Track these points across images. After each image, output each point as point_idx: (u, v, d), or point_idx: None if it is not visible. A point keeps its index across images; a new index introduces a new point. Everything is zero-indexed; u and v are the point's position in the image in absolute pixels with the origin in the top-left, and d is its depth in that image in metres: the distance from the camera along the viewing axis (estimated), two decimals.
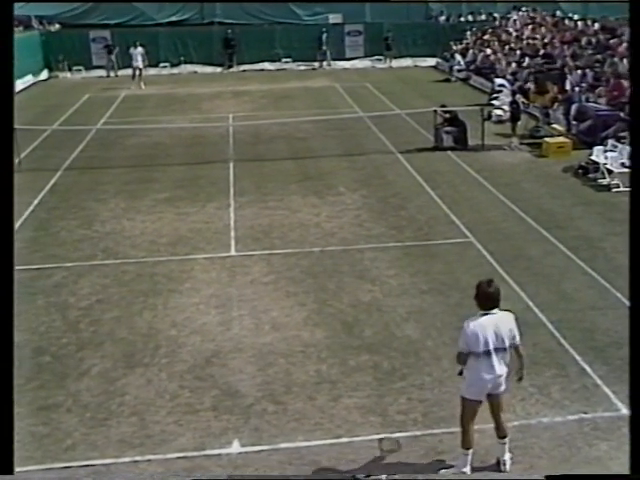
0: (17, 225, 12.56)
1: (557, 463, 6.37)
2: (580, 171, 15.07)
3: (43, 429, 7.01)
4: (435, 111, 18.09)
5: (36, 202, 14.05)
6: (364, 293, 9.80)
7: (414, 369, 7.91)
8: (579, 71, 21.52)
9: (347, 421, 7.03)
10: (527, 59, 25.96)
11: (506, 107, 19.81)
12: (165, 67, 33.57)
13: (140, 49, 29.36)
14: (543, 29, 30.36)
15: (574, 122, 18.25)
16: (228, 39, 33.51)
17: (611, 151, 14.80)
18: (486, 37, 32.69)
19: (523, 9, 35.57)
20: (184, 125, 21.10)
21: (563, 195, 13.92)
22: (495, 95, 22.14)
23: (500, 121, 19.87)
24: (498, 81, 23.27)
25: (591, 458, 6.43)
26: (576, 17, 31.64)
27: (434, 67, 33.78)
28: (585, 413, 7.06)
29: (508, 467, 6.30)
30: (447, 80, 29.71)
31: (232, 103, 25.19)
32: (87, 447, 6.74)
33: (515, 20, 34.42)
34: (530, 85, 21.93)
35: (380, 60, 34.77)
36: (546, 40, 27.85)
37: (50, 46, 32.75)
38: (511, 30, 32.65)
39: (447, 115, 17.90)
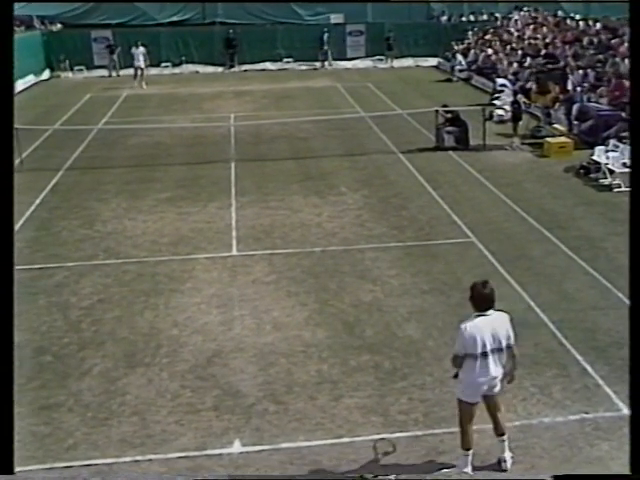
0: (18, 225, 12.58)
1: (558, 463, 6.37)
2: (582, 171, 15.07)
3: (44, 429, 7.02)
4: (436, 111, 18.08)
5: (37, 202, 14.07)
6: (365, 293, 9.80)
7: (415, 369, 7.91)
8: (581, 71, 21.51)
9: (348, 421, 7.03)
10: (529, 59, 25.93)
11: (507, 107, 19.79)
12: (167, 67, 33.59)
13: (142, 49, 29.38)
14: (545, 29, 30.34)
15: (575, 122, 18.24)
16: (229, 39, 33.52)
17: (612, 151, 14.80)
18: (488, 37, 32.68)
19: (525, 9, 35.54)
20: (185, 125, 21.11)
21: (565, 195, 13.92)
22: (496, 95, 22.15)
23: (501, 121, 19.86)
24: (499, 81, 23.28)
25: (592, 458, 6.43)
26: (578, 17, 31.60)
27: (436, 67, 33.77)
28: (586, 413, 7.06)
29: (509, 465, 6.30)
30: (448, 80, 29.70)
31: (233, 103, 25.20)
32: (88, 447, 6.75)
33: (517, 20, 34.40)
34: (531, 85, 21.94)
35: (381, 60, 34.77)
36: (548, 40, 27.83)
37: (52, 46, 32.79)
38: (513, 30, 32.65)
39: (449, 115, 17.90)
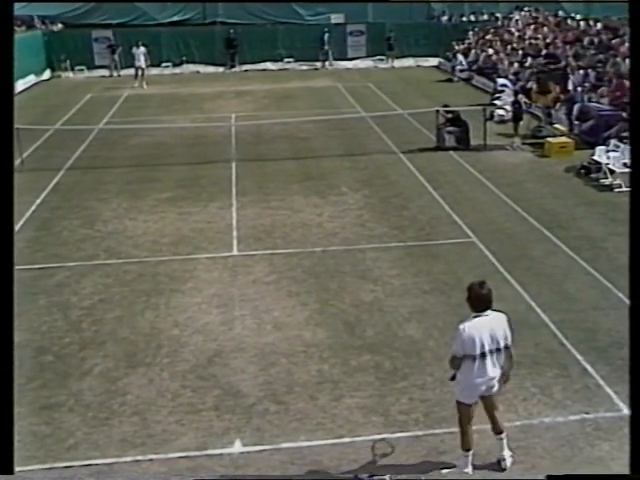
0: (19, 225, 12.59)
1: (559, 463, 6.36)
2: (582, 171, 15.06)
3: (45, 428, 7.02)
4: (437, 111, 18.08)
5: (38, 202, 14.07)
6: (366, 293, 9.80)
7: (416, 369, 7.91)
8: (581, 71, 21.50)
9: (349, 421, 7.03)
10: (529, 59, 25.93)
11: (508, 107, 19.78)
12: (167, 67, 33.59)
13: (142, 49, 29.41)
14: (545, 29, 30.32)
15: (576, 122, 18.24)
16: (230, 39, 33.53)
17: (613, 151, 14.79)
18: (488, 37, 32.67)
19: (525, 9, 35.54)
20: (186, 125, 21.11)
21: (565, 195, 13.91)
22: (497, 95, 22.15)
23: (502, 121, 19.85)
24: (500, 81, 23.28)
25: (593, 458, 6.43)
26: (578, 17, 31.58)
27: (436, 67, 33.77)
28: (587, 413, 7.06)
29: (508, 464, 6.30)
30: (449, 80, 29.69)
31: (234, 103, 25.20)
32: (89, 446, 6.75)
33: (517, 20, 34.40)
34: (532, 85, 21.92)
35: (382, 60, 34.77)
36: (548, 40, 27.83)
37: (52, 46, 32.80)
38: (513, 30, 32.64)
39: (449, 115, 17.90)
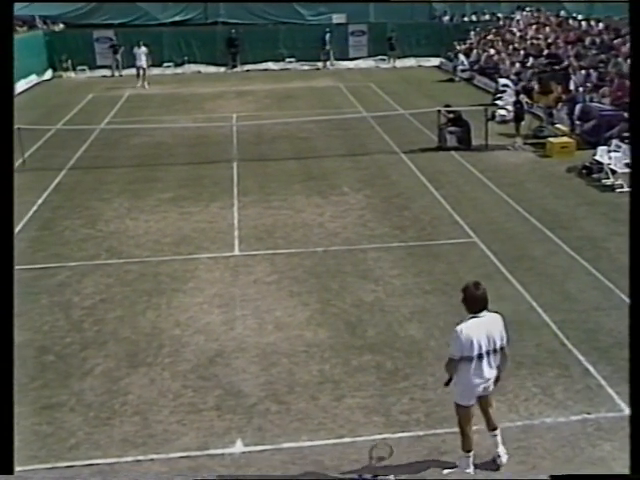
0: (21, 224, 12.60)
1: (560, 463, 6.36)
2: (584, 171, 15.06)
3: (47, 428, 7.02)
4: (439, 111, 18.07)
5: (40, 201, 14.08)
6: (367, 293, 9.80)
7: (417, 369, 7.91)
8: (583, 71, 21.50)
9: (350, 421, 7.03)
10: (531, 59, 25.92)
11: (510, 107, 19.78)
12: (169, 67, 33.58)
13: (143, 49, 29.42)
14: (547, 29, 30.30)
15: (578, 122, 18.22)
16: (232, 39, 33.53)
17: (615, 151, 14.78)
18: (490, 37, 32.65)
19: (527, 9, 35.49)
20: (188, 125, 21.12)
21: (567, 195, 13.91)
22: (499, 95, 22.14)
23: (504, 121, 19.84)
24: (502, 81, 23.27)
25: (594, 459, 6.43)
26: (580, 17, 31.56)
27: (438, 67, 33.75)
28: (588, 414, 7.06)
29: (504, 460, 6.30)
30: (451, 80, 29.68)
31: (235, 103, 25.21)
32: (90, 446, 6.75)
33: (519, 20, 34.37)
34: (534, 85, 21.90)
35: (384, 60, 34.75)
36: (550, 40, 27.81)
37: (54, 46, 32.79)
38: (515, 30, 32.61)
39: (451, 115, 17.89)
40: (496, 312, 6.09)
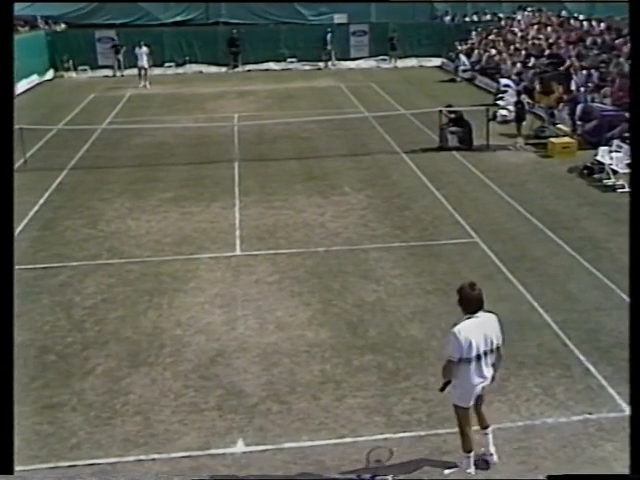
0: (23, 224, 12.60)
1: (562, 464, 6.36)
2: (585, 171, 15.05)
3: (48, 428, 7.03)
4: (440, 111, 18.08)
5: (42, 201, 14.08)
6: (369, 293, 9.80)
7: (418, 369, 7.91)
8: (584, 71, 21.48)
9: (351, 421, 7.03)
10: (532, 59, 25.90)
11: (511, 107, 19.77)
12: (170, 67, 33.60)
13: (144, 49, 29.44)
14: (548, 29, 30.28)
15: (579, 122, 18.21)
16: (233, 39, 33.53)
17: (616, 151, 14.78)
18: (491, 37, 32.63)
19: (528, 9, 35.49)
20: (189, 125, 21.14)
21: (568, 195, 13.90)
22: (500, 95, 22.13)
23: (505, 121, 19.83)
24: (503, 81, 23.26)
25: (596, 459, 6.43)
26: (581, 17, 31.55)
27: (439, 67, 33.75)
28: (590, 414, 7.06)
29: (495, 459, 6.31)
30: (452, 80, 29.67)
31: (237, 103, 25.21)
32: (92, 446, 6.76)
33: (520, 20, 34.35)
34: (535, 85, 21.90)
35: (385, 60, 34.75)
36: (551, 40, 27.79)
37: (56, 46, 32.80)
38: (516, 30, 32.58)
39: (452, 115, 17.89)
40: (491, 312, 6.09)
